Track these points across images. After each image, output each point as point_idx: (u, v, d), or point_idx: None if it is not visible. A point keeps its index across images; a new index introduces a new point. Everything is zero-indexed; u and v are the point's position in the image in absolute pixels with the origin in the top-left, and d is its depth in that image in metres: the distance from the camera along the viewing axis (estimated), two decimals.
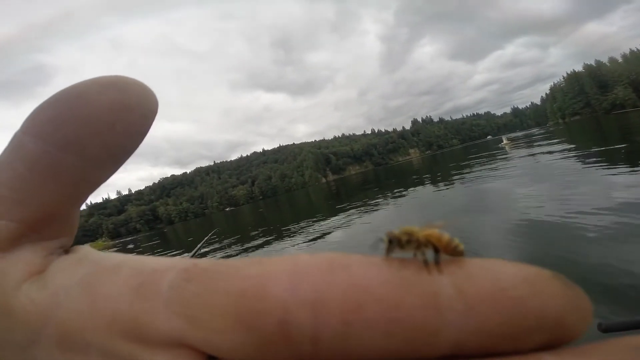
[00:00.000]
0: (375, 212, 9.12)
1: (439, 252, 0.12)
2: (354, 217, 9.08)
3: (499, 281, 0.10)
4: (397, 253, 0.13)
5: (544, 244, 3.65)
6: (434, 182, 13.32)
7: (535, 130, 70.88)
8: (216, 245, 9.90)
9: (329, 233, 7.59)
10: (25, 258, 0.14)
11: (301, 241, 7.50)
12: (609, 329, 0.68)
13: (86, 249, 0.15)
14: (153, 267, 0.13)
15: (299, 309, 0.10)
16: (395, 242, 0.13)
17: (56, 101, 0.13)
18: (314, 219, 10.75)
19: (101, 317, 0.12)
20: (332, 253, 0.11)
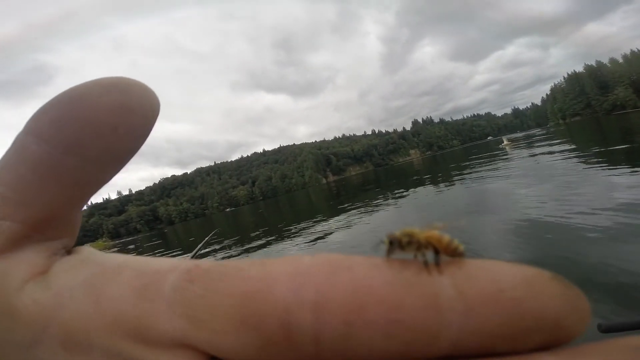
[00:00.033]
0: (376, 213, 9.11)
1: (439, 254, 0.12)
2: (354, 217, 9.08)
3: (498, 282, 0.10)
4: (398, 254, 0.13)
5: (544, 244, 3.65)
6: (435, 183, 13.31)
7: (535, 131, 70.74)
8: (217, 246, 9.91)
9: (329, 234, 7.59)
10: (28, 259, 0.14)
11: (301, 242, 7.49)
12: (608, 330, 0.68)
13: (88, 250, 0.16)
14: (155, 268, 0.13)
15: (301, 310, 0.10)
16: (396, 244, 0.13)
17: (59, 103, 0.13)
18: (315, 220, 10.76)
19: (104, 318, 0.12)
20: (334, 254, 0.11)
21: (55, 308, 0.12)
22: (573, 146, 14.07)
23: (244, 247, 8.88)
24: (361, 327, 0.10)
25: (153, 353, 0.11)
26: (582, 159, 9.18)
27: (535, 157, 13.47)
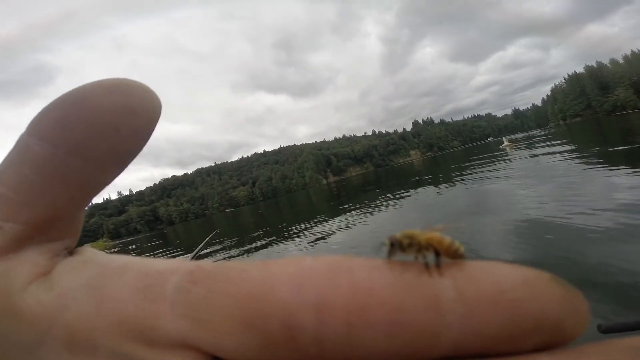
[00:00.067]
0: (376, 214, 9.10)
1: (440, 255, 0.12)
2: (354, 218, 9.07)
3: (498, 283, 0.10)
4: (399, 256, 0.13)
5: (545, 244, 3.65)
6: (435, 184, 13.29)
7: (536, 132, 70.74)
8: (217, 247, 9.90)
9: (330, 234, 7.58)
10: (32, 259, 0.14)
11: (302, 242, 7.47)
12: (609, 330, 0.68)
13: (91, 251, 0.16)
14: (158, 269, 0.13)
15: (303, 311, 0.10)
16: (397, 246, 0.13)
17: (61, 104, 0.13)
18: (315, 221, 10.74)
19: (108, 319, 0.12)
20: (335, 256, 0.11)
21: (59, 309, 0.13)
22: (573, 147, 14.06)
23: (245, 248, 8.86)
24: (362, 328, 0.10)
25: (156, 354, 0.12)
26: (582, 160, 9.17)
27: (536, 157, 13.46)
